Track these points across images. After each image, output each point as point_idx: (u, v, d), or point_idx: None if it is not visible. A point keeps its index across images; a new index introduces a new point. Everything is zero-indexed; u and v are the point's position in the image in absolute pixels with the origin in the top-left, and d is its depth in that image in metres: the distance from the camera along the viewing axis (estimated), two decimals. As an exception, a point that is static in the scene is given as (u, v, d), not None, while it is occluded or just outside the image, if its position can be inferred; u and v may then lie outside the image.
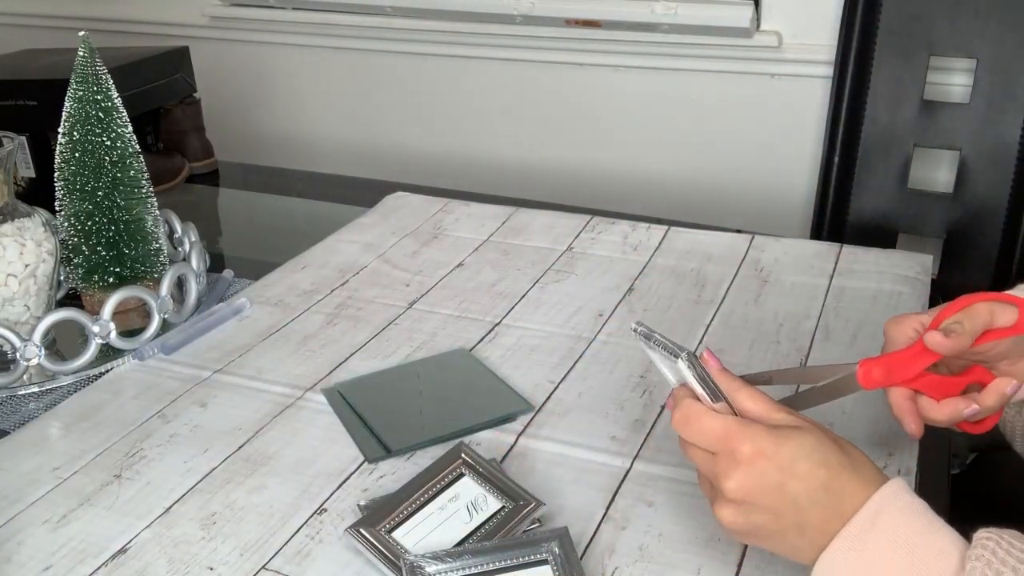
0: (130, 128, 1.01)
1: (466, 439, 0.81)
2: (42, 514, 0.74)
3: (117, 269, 1.02)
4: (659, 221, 1.24)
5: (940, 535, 0.55)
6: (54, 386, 0.94)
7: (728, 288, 1.06)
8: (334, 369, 0.93)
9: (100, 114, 0.99)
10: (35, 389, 0.93)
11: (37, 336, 0.91)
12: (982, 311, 0.67)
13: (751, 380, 0.64)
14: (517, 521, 0.69)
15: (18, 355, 0.91)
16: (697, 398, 0.62)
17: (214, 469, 0.79)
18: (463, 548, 0.66)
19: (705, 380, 0.61)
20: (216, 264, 1.16)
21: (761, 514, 0.58)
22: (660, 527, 0.70)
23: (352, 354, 0.96)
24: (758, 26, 1.60)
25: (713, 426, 0.59)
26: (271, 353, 0.96)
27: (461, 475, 0.74)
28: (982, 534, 0.54)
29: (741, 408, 0.61)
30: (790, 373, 0.77)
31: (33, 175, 1.35)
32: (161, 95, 1.52)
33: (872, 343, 0.91)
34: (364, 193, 1.39)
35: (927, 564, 0.53)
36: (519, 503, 0.71)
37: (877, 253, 1.12)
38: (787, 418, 0.60)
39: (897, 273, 1.07)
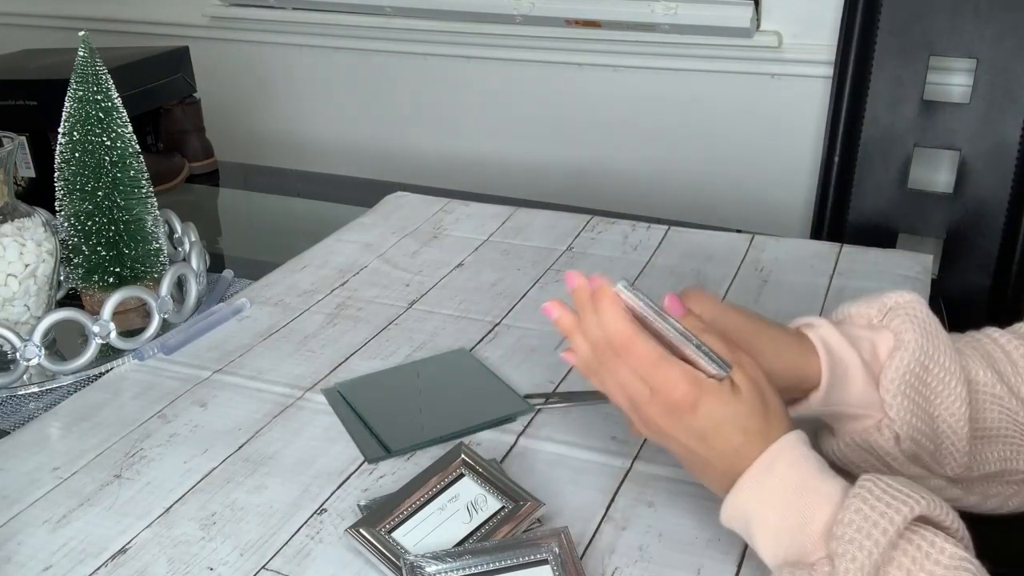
0: (130, 128, 1.01)
1: (466, 439, 0.81)
2: (42, 514, 0.74)
3: (117, 269, 1.02)
4: (659, 221, 1.24)
5: (830, 481, 0.58)
6: (54, 386, 0.94)
7: (728, 288, 1.06)
8: (334, 369, 0.93)
9: (100, 114, 0.99)
10: (35, 389, 0.93)
11: (37, 336, 0.91)
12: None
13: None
14: (517, 521, 0.69)
15: (18, 355, 0.91)
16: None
17: (214, 469, 0.79)
18: (463, 548, 0.66)
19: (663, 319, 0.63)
20: (216, 264, 1.16)
21: (672, 448, 0.63)
22: (660, 527, 0.70)
23: (352, 354, 0.95)
24: (758, 26, 1.60)
25: (666, 371, 0.61)
26: (271, 353, 0.96)
27: (461, 475, 0.74)
28: (864, 476, 0.57)
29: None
30: None
31: (33, 175, 1.35)
32: (161, 95, 1.52)
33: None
34: (364, 193, 1.39)
35: (814, 503, 0.57)
36: (519, 503, 0.71)
37: (877, 253, 1.12)
38: (739, 376, 0.61)
39: (897, 273, 1.07)
